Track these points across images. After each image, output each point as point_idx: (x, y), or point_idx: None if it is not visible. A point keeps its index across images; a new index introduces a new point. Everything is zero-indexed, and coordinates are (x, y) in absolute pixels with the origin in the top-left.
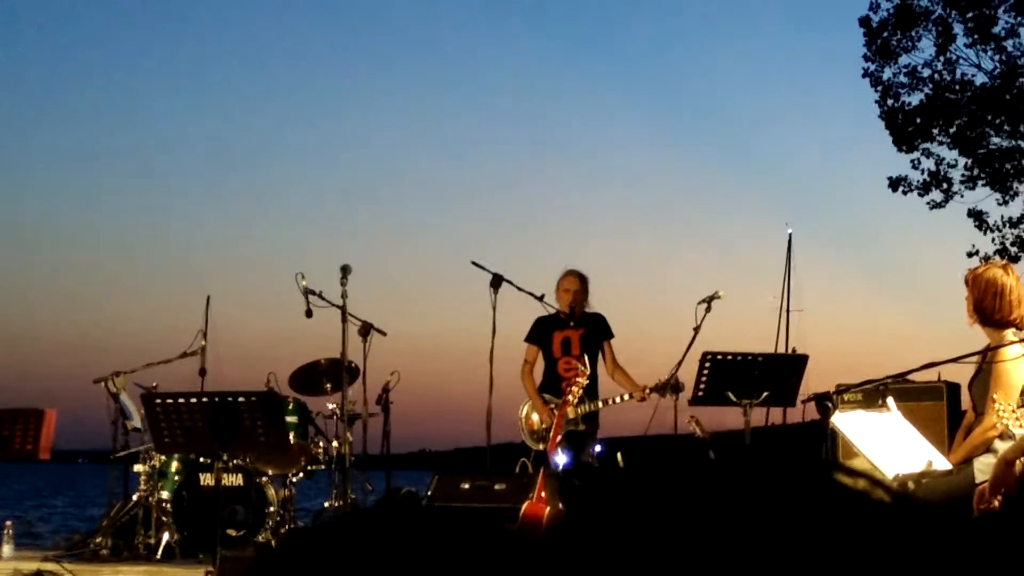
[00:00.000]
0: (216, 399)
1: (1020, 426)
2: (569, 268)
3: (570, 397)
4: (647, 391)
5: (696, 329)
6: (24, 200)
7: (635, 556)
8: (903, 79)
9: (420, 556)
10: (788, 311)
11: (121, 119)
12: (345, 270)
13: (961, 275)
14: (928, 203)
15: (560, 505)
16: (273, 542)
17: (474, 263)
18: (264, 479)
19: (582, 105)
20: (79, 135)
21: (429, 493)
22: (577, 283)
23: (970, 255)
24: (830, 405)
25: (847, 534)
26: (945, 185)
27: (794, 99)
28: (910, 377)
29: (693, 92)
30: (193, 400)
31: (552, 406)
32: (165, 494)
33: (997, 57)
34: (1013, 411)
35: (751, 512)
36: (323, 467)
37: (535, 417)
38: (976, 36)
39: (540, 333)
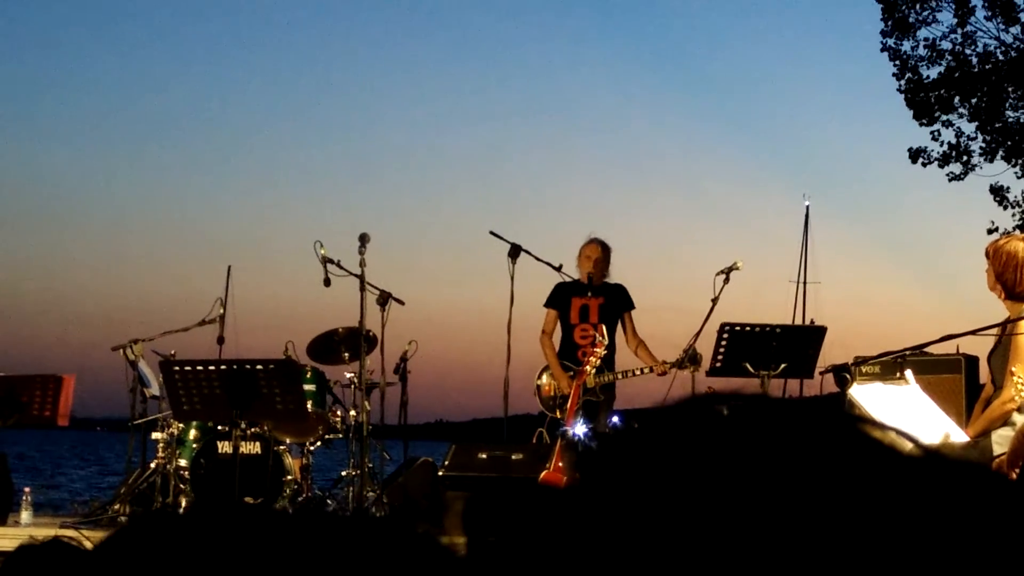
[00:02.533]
0: (234, 367)
1: None
2: (593, 236)
3: (588, 367)
4: (668, 366)
5: (714, 300)
6: (43, 173)
7: (654, 522)
8: (922, 52)
9: None
10: (805, 284)
11: (139, 91)
12: (363, 239)
13: (980, 249)
14: (947, 175)
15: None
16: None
17: (492, 233)
18: (282, 447)
19: (601, 78)
20: (98, 108)
21: (446, 463)
22: (599, 251)
23: (990, 231)
24: (848, 376)
25: (877, 488)
26: (965, 157)
27: (813, 72)
28: (928, 350)
29: (712, 65)
30: (211, 368)
31: (570, 374)
32: (183, 462)
33: (1015, 29)
34: None
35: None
36: (341, 436)
37: (548, 382)
38: (996, 9)
39: (559, 298)
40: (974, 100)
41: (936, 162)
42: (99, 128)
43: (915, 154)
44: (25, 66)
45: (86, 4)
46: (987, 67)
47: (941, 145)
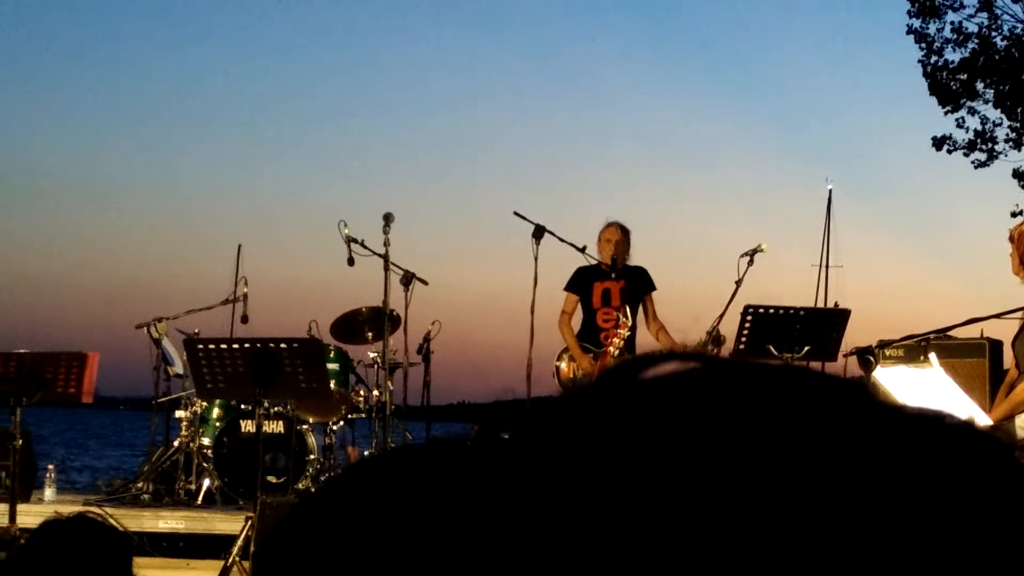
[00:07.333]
0: (258, 345)
1: None
2: (611, 219)
3: (611, 348)
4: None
5: (738, 282)
6: (66, 153)
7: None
8: (948, 35)
9: None
10: (828, 267)
11: (156, 66)
12: (388, 218)
13: (1004, 234)
14: (973, 162)
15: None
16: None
17: (516, 213)
18: (305, 427)
19: (624, 59)
20: (118, 85)
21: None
22: (619, 234)
23: (1014, 215)
24: (872, 359)
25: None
26: (990, 144)
27: (837, 54)
28: (952, 333)
29: (735, 46)
30: (235, 346)
31: (591, 355)
32: (206, 440)
33: None
34: None
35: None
36: (363, 416)
37: (568, 365)
38: None
39: (580, 283)
40: (1000, 86)
41: (961, 150)
42: (117, 106)
43: (939, 142)
44: (41, 45)
45: None
46: (1013, 51)
47: (967, 132)
